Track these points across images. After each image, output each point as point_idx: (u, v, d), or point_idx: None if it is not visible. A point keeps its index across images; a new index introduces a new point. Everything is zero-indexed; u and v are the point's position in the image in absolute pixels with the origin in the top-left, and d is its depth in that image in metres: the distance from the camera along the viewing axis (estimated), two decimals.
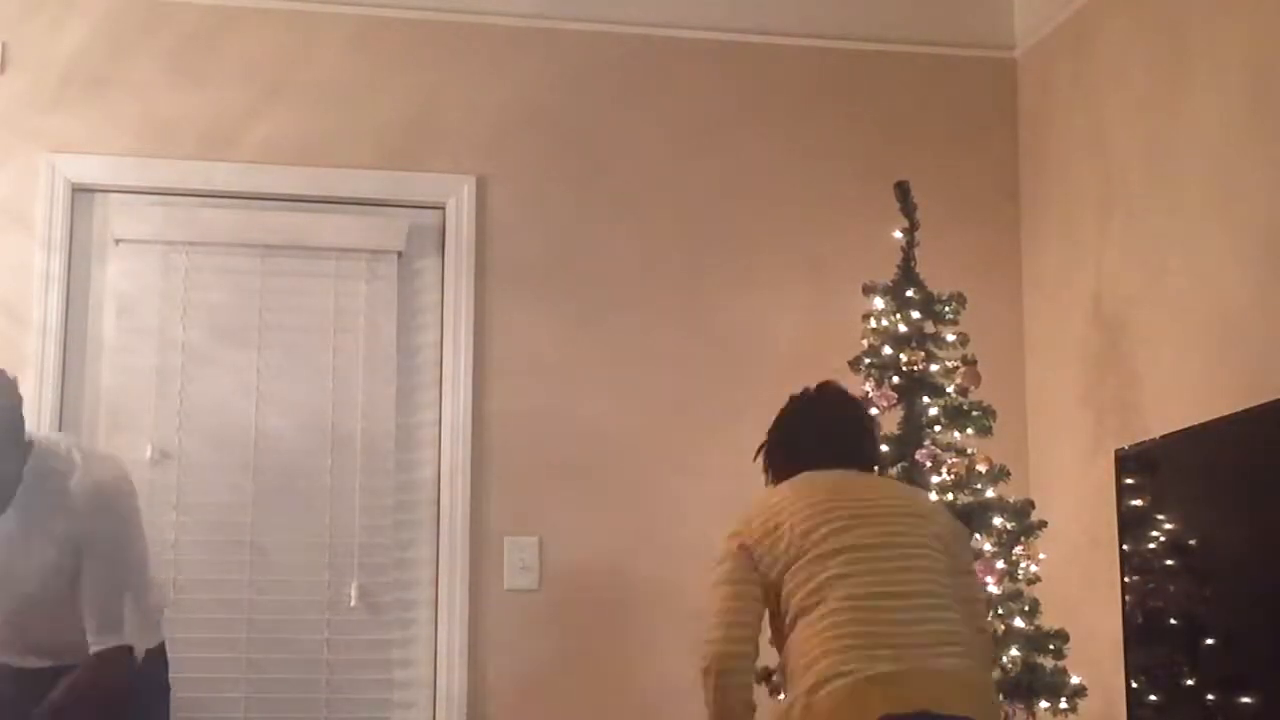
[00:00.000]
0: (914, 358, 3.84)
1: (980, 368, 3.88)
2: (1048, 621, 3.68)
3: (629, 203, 4.51)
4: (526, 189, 4.48)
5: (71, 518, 3.26)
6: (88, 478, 3.29)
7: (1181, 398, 3.79)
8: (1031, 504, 3.79)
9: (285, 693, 4.14)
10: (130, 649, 3.31)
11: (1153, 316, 3.98)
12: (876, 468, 3.27)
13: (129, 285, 4.25)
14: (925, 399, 3.85)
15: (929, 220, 4.02)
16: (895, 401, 3.83)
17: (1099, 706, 3.81)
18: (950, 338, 3.90)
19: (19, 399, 3.27)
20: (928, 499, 3.39)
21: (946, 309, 3.92)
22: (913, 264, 3.96)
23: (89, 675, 3.28)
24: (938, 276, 3.97)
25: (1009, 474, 3.81)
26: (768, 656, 3.79)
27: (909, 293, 3.91)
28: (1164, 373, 3.92)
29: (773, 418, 4.43)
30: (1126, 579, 3.65)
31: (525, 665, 4.24)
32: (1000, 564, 3.67)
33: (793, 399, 3.27)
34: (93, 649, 3.28)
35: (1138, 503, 3.66)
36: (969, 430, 3.83)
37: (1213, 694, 3.34)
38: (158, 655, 3.48)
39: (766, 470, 3.25)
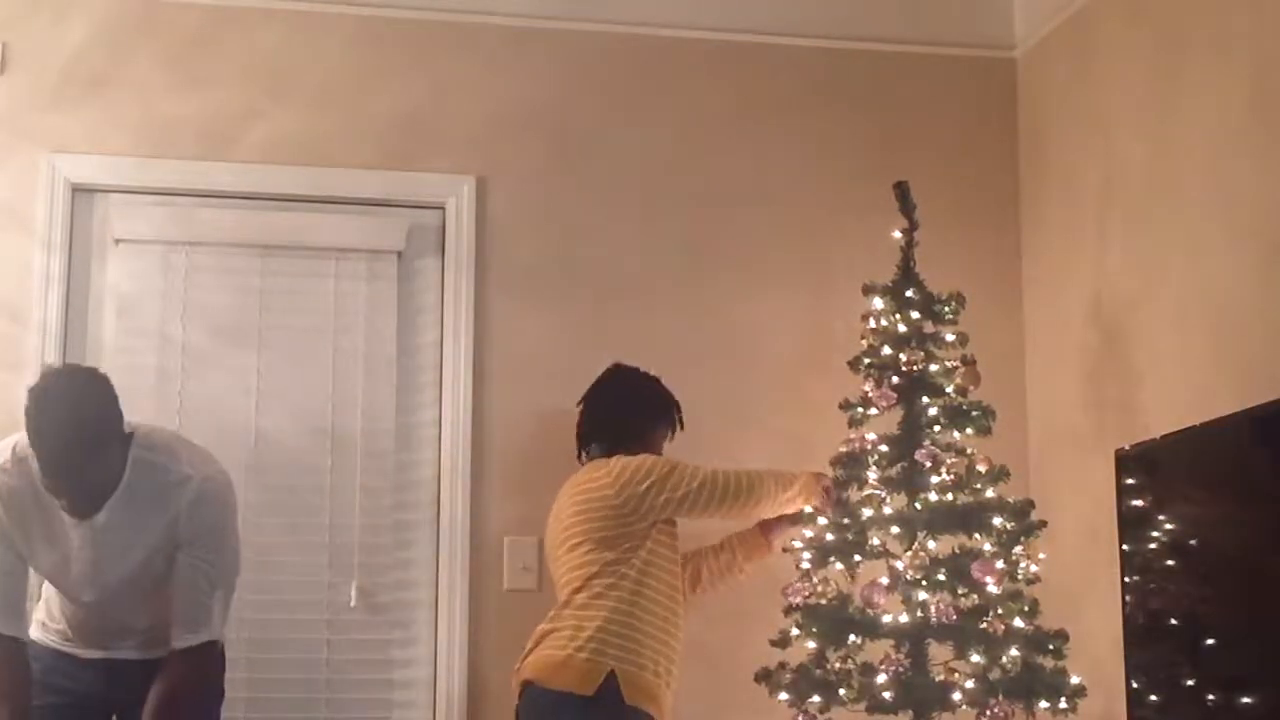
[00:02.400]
0: (914, 358, 3.84)
1: (980, 368, 3.88)
2: (1048, 621, 3.67)
3: (629, 203, 4.51)
4: (526, 189, 4.48)
5: (173, 511, 3.26)
6: (190, 471, 3.30)
7: (1181, 398, 3.79)
8: (1031, 504, 3.78)
9: (285, 693, 4.14)
10: (217, 643, 3.35)
11: (1153, 316, 3.98)
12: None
13: (129, 285, 4.26)
14: (925, 399, 3.84)
15: (929, 220, 4.02)
16: (895, 401, 3.83)
17: (1099, 706, 3.81)
18: (950, 338, 3.90)
19: (110, 399, 3.19)
20: None
21: (946, 309, 3.91)
22: (912, 264, 3.95)
23: (183, 675, 3.29)
24: (938, 276, 3.97)
25: (1009, 474, 3.81)
26: (767, 657, 3.80)
27: (909, 293, 3.91)
28: (1164, 373, 3.92)
29: (773, 417, 4.46)
30: (1126, 579, 3.65)
31: None
32: (1000, 564, 3.67)
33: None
34: (178, 643, 3.28)
35: (1138, 503, 3.66)
36: (969, 430, 3.83)
37: (1213, 694, 3.34)
38: (217, 658, 3.48)
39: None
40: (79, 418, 3.13)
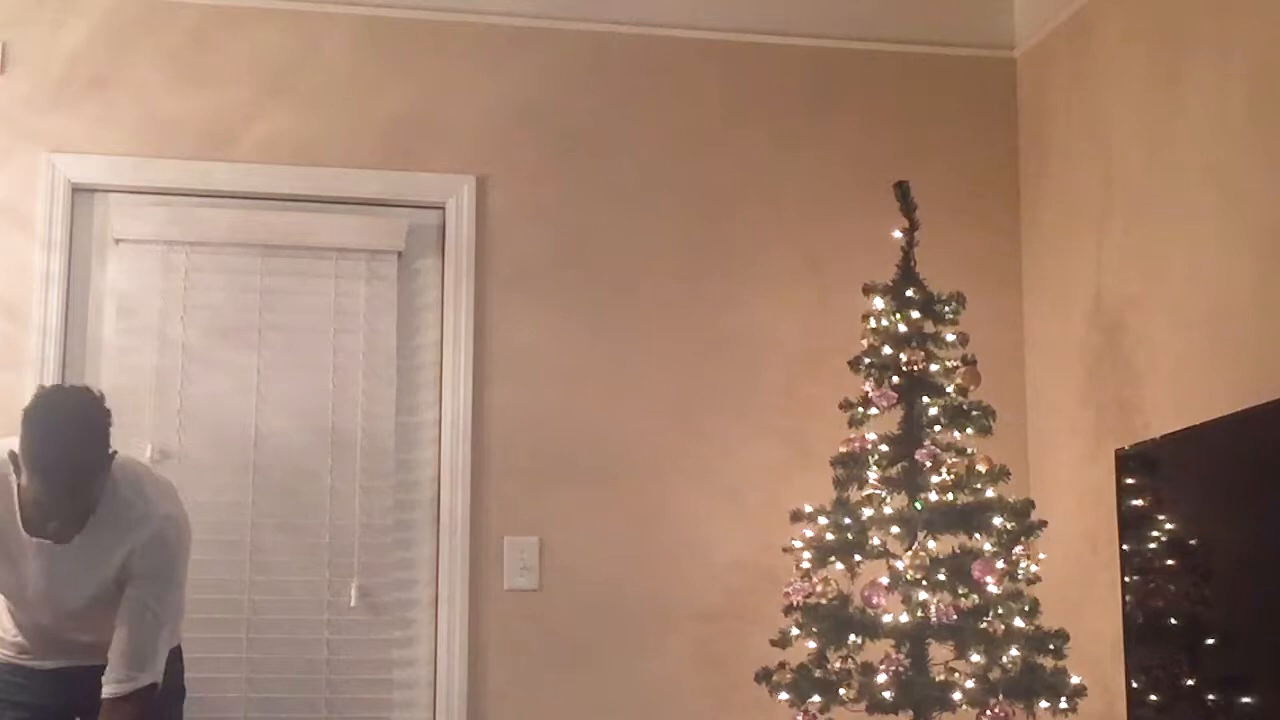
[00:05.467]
0: (914, 358, 3.84)
1: (980, 368, 3.88)
2: (1048, 621, 3.67)
3: (629, 203, 4.51)
4: (526, 189, 4.48)
5: (129, 545, 3.22)
6: (151, 509, 3.26)
7: (1181, 398, 3.79)
8: (1031, 504, 3.78)
9: (285, 693, 4.14)
10: (157, 685, 3.27)
11: (1153, 316, 3.99)
12: None
13: (129, 285, 4.25)
14: (925, 399, 3.85)
15: (929, 220, 4.02)
16: (895, 401, 3.83)
17: (1099, 706, 3.81)
18: (950, 338, 3.90)
19: (107, 422, 3.13)
20: None
21: (946, 309, 3.91)
22: (913, 264, 3.95)
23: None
24: (938, 276, 3.97)
25: (1009, 474, 3.81)
26: (767, 657, 3.80)
27: (909, 293, 3.91)
28: (1164, 373, 3.92)
29: (773, 417, 4.46)
30: (1126, 579, 3.65)
31: (525, 665, 4.25)
32: (1000, 564, 3.67)
33: None
34: (122, 687, 3.19)
35: (1138, 503, 3.66)
36: (969, 430, 3.83)
37: (1213, 694, 3.34)
38: (175, 657, 3.45)
39: None
40: (85, 439, 3.08)
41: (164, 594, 3.27)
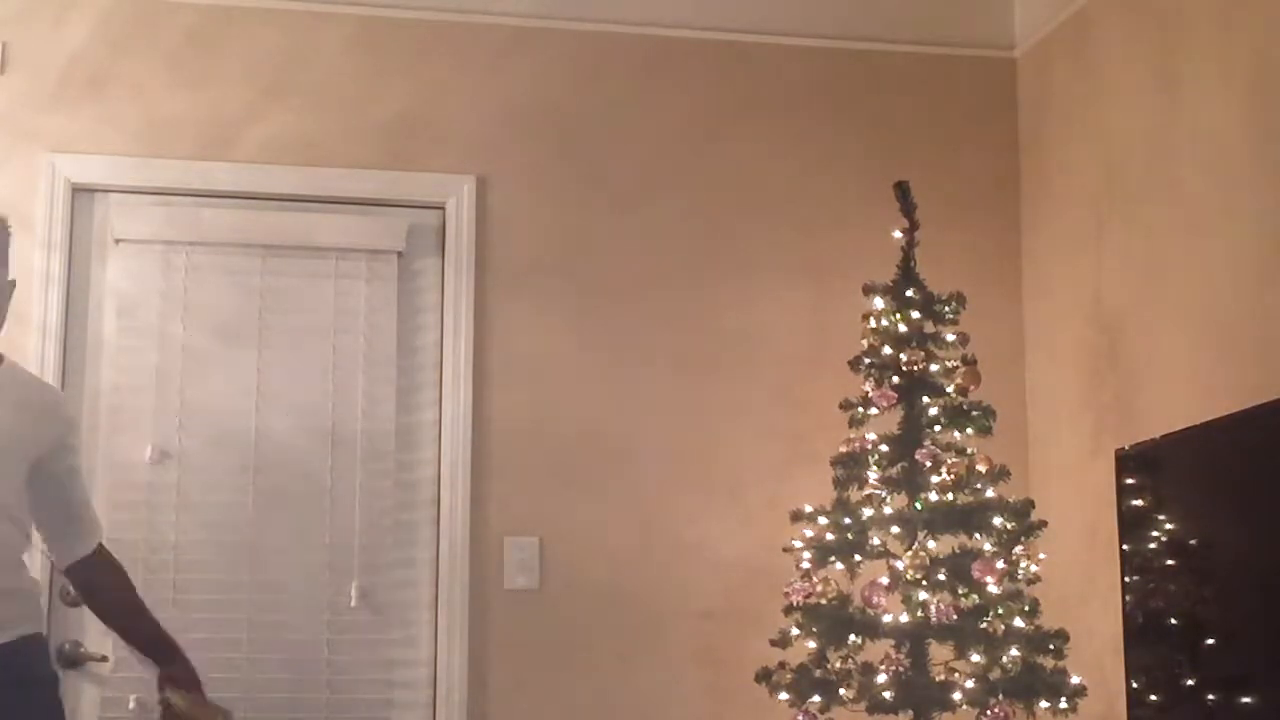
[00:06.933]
0: (914, 358, 3.84)
1: (980, 368, 3.88)
2: (1048, 621, 3.68)
3: (629, 202, 4.51)
4: (526, 189, 4.48)
5: (51, 420, 3.21)
6: (54, 390, 3.47)
7: (1181, 398, 3.79)
8: (1031, 504, 3.78)
9: (285, 693, 4.14)
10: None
11: (1153, 316, 3.99)
12: None
13: (129, 285, 4.25)
14: (925, 399, 3.85)
15: (929, 220, 4.02)
16: (895, 401, 3.83)
17: (1099, 706, 3.81)
18: (950, 338, 3.90)
19: None
20: None
21: (946, 309, 3.92)
22: (913, 264, 3.96)
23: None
24: (938, 276, 3.97)
25: (1009, 474, 3.81)
26: (767, 657, 3.80)
27: (909, 293, 3.91)
28: (1164, 373, 3.92)
29: (773, 417, 4.46)
30: (1126, 579, 3.65)
31: (525, 665, 4.25)
32: (1000, 564, 3.67)
33: None
34: (89, 540, 3.25)
35: (1138, 503, 3.66)
36: (969, 430, 3.83)
37: (1213, 694, 3.34)
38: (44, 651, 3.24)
39: None
40: None
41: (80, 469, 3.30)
